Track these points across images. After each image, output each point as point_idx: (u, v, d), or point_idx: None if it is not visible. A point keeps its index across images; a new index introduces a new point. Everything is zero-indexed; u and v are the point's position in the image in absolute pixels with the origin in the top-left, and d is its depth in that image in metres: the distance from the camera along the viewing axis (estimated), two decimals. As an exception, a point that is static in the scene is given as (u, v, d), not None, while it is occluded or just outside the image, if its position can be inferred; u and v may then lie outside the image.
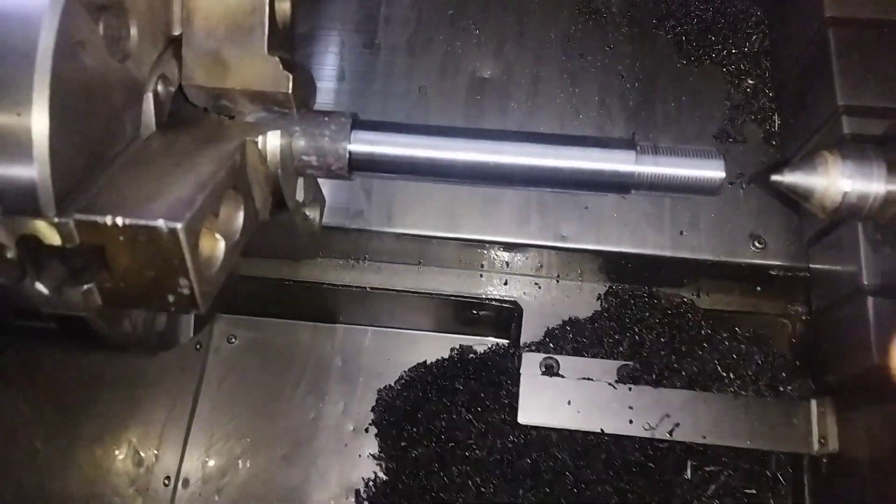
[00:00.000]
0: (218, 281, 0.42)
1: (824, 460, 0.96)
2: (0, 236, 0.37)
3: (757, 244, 0.95)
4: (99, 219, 0.36)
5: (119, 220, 0.36)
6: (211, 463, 1.13)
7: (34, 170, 0.36)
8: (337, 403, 1.17)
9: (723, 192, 0.95)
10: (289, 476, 1.13)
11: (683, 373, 1.00)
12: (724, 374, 0.99)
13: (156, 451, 1.08)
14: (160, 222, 0.36)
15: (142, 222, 0.36)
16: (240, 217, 0.45)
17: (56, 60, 0.36)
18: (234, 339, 1.20)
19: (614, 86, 1.04)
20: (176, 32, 0.47)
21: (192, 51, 0.47)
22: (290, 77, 0.46)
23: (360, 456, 1.14)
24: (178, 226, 0.36)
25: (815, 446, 0.95)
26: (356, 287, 1.09)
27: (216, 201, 0.41)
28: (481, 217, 0.98)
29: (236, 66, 0.47)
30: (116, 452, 1.01)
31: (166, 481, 1.10)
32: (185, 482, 1.12)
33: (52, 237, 0.37)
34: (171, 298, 0.39)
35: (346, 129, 0.49)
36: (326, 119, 0.49)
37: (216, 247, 0.43)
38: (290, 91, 0.47)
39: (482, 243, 0.98)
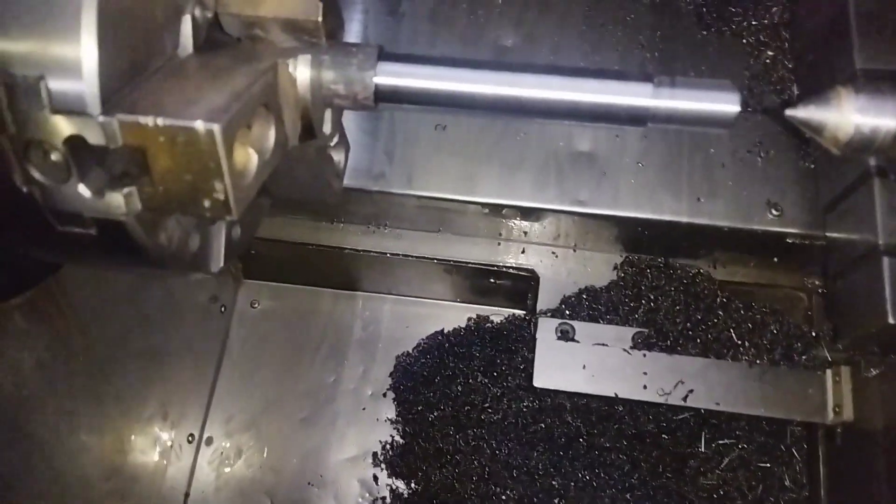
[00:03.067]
0: (251, 191, 0.44)
1: (839, 430, 0.96)
2: (47, 136, 0.39)
3: (774, 211, 0.95)
4: (141, 119, 0.39)
5: (160, 121, 0.38)
6: (233, 422, 1.16)
7: (83, 68, 0.38)
8: (356, 368, 1.20)
9: (733, 158, 0.97)
10: (308, 437, 1.16)
11: (698, 340, 1.01)
12: (739, 343, 1.00)
13: (181, 410, 1.11)
14: (199, 123, 0.38)
15: (181, 123, 0.38)
16: (271, 135, 0.47)
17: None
18: (257, 304, 1.23)
19: (634, 55, 1.05)
20: (213, -37, 0.49)
21: (228, -20, 0.49)
22: (320, 5, 0.49)
23: (377, 419, 1.16)
24: (216, 127, 0.38)
25: (830, 415, 0.96)
26: (377, 252, 1.12)
27: (250, 112, 0.43)
28: (500, 182, 0.99)
29: (269, -5, 0.49)
30: (143, 410, 1.04)
31: (190, 438, 1.13)
32: (209, 440, 1.15)
33: (96, 136, 0.39)
34: (206, 203, 0.42)
35: (372, 60, 0.51)
36: (354, 49, 0.51)
37: (249, 160, 0.45)
38: (319, 19, 0.49)
39: (500, 207, 1.00)
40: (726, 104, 0.50)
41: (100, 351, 0.91)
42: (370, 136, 1.01)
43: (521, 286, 1.14)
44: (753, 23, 1.04)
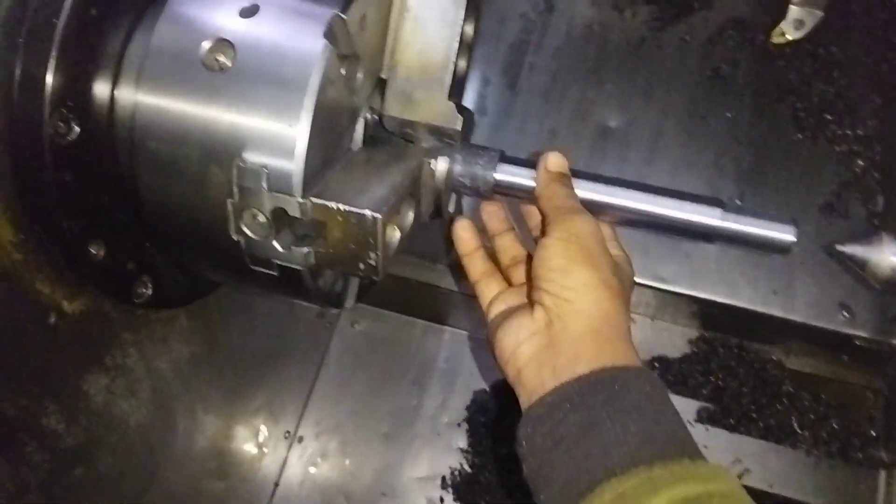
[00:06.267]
0: (393, 259, 0.58)
1: (888, 530, 1.00)
2: (261, 205, 0.54)
3: (845, 314, 1.01)
4: (328, 203, 0.53)
5: (340, 206, 0.53)
6: (323, 425, 1.31)
7: (293, 164, 0.53)
8: (436, 397, 1.32)
9: (813, 258, 1.04)
10: (386, 452, 1.29)
11: (760, 423, 1.07)
12: (800, 431, 1.06)
13: (282, 407, 1.27)
14: (367, 211, 0.52)
15: (355, 210, 0.52)
16: (411, 216, 0.61)
17: (319, 91, 0.53)
18: (356, 325, 1.38)
19: (730, 148, 1.13)
20: (383, 76, 0.64)
21: (393, 91, 0.63)
22: (461, 118, 0.62)
23: (450, 446, 1.28)
24: (378, 216, 0.52)
25: (880, 514, 1.00)
26: (469, 294, 1.24)
27: (401, 202, 0.57)
28: (589, 250, 1.10)
29: (422, 105, 0.63)
30: (251, 402, 1.21)
31: (286, 434, 1.28)
32: (301, 438, 1.30)
33: (294, 211, 0.54)
34: (361, 266, 0.55)
35: (494, 162, 0.64)
36: (481, 152, 0.65)
37: (394, 235, 0.58)
38: (458, 128, 0.63)
39: (587, 273, 1.10)
40: (784, 234, 0.60)
41: (231, 347, 1.08)
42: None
43: (597, 344, 1.24)
44: (848, 132, 1.11)
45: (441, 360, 1.35)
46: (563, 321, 0.58)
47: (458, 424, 1.29)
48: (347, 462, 1.29)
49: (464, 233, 0.73)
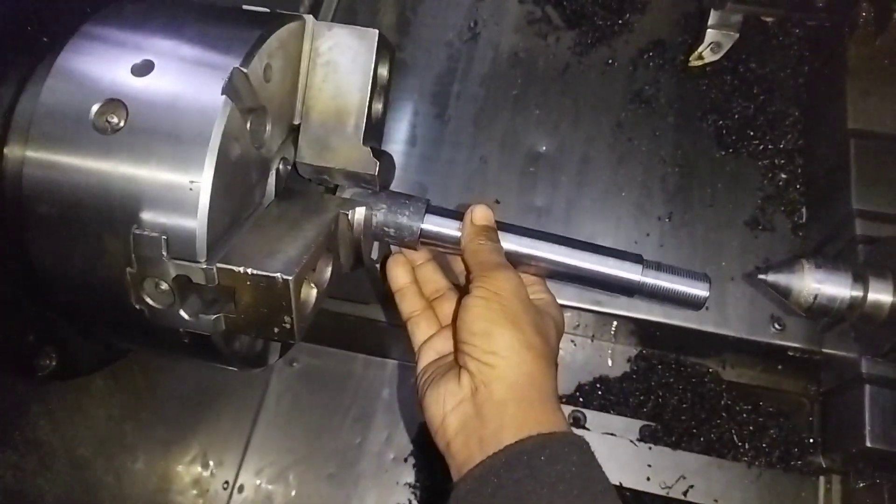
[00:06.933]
0: (310, 319, 0.55)
1: (828, 536, 1.01)
2: (162, 274, 0.51)
3: (777, 326, 1.03)
4: (235, 268, 0.50)
5: (249, 270, 0.49)
6: (264, 473, 1.26)
7: (196, 223, 0.50)
8: (381, 432, 1.28)
9: (742, 274, 1.05)
10: (332, 494, 1.24)
11: (702, 438, 1.08)
12: (740, 444, 1.07)
13: (219, 457, 1.21)
14: (277, 275, 0.49)
15: (264, 273, 0.49)
16: (328, 271, 0.58)
17: (221, 146, 0.50)
18: (295, 363, 1.34)
19: (656, 169, 1.15)
20: (295, 122, 0.61)
21: (307, 137, 0.61)
22: (378, 163, 0.60)
23: (397, 483, 1.24)
24: (290, 278, 0.49)
25: (820, 521, 1.01)
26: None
27: (315, 260, 0.54)
28: (526, 277, 1.09)
29: (337, 151, 0.61)
30: (186, 454, 1.15)
31: (225, 485, 1.23)
32: (241, 488, 1.24)
33: (199, 278, 0.50)
34: (275, 330, 0.52)
35: (421, 212, 0.62)
36: (407, 202, 0.63)
37: (310, 293, 0.56)
38: (376, 174, 0.60)
39: (524, 300, 1.10)
40: (698, 290, 0.60)
41: (159, 397, 1.02)
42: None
43: (540, 368, 1.23)
44: (769, 147, 1.13)
45: (384, 394, 1.32)
46: (488, 388, 0.57)
47: (405, 459, 1.26)
48: (292, 508, 1.24)
49: (395, 268, 0.71)
